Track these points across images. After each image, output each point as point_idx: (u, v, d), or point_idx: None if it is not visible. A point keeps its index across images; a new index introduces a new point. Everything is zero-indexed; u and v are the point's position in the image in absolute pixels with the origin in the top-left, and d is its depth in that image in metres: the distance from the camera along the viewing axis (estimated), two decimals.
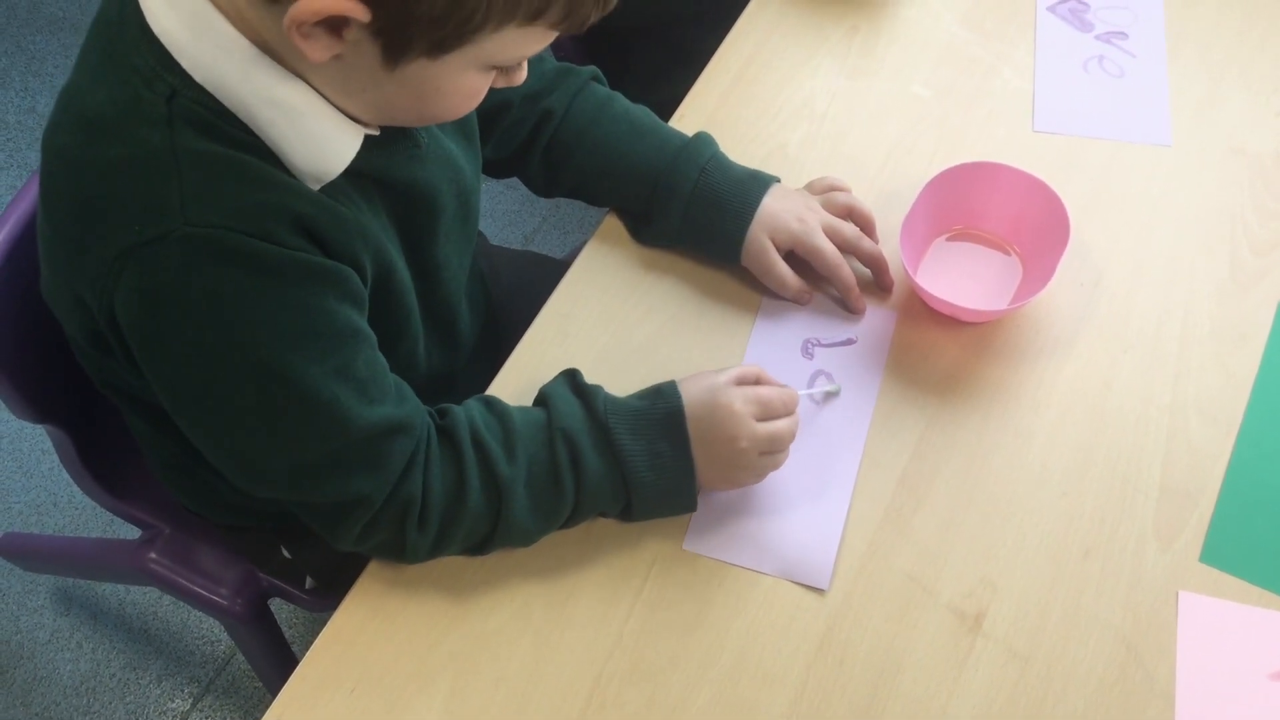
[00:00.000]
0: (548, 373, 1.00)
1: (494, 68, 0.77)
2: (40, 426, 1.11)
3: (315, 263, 0.77)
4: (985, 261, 1.08)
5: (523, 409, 0.91)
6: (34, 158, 2.17)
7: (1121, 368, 1.01)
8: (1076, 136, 1.17)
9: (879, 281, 1.05)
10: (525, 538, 0.90)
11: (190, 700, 1.64)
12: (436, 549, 0.88)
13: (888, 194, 1.12)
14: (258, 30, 0.72)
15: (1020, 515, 0.94)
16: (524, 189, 1.15)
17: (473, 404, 0.91)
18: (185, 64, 0.73)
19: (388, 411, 0.83)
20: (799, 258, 1.04)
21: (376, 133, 0.82)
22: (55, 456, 1.80)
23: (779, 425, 0.90)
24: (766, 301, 1.06)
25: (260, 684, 1.63)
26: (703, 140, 1.07)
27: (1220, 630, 0.89)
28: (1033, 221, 1.05)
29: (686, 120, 1.19)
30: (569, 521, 0.91)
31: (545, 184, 1.12)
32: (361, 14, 0.67)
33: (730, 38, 1.25)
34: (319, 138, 0.76)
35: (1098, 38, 1.25)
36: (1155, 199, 1.12)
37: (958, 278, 1.06)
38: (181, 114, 0.73)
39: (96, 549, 1.61)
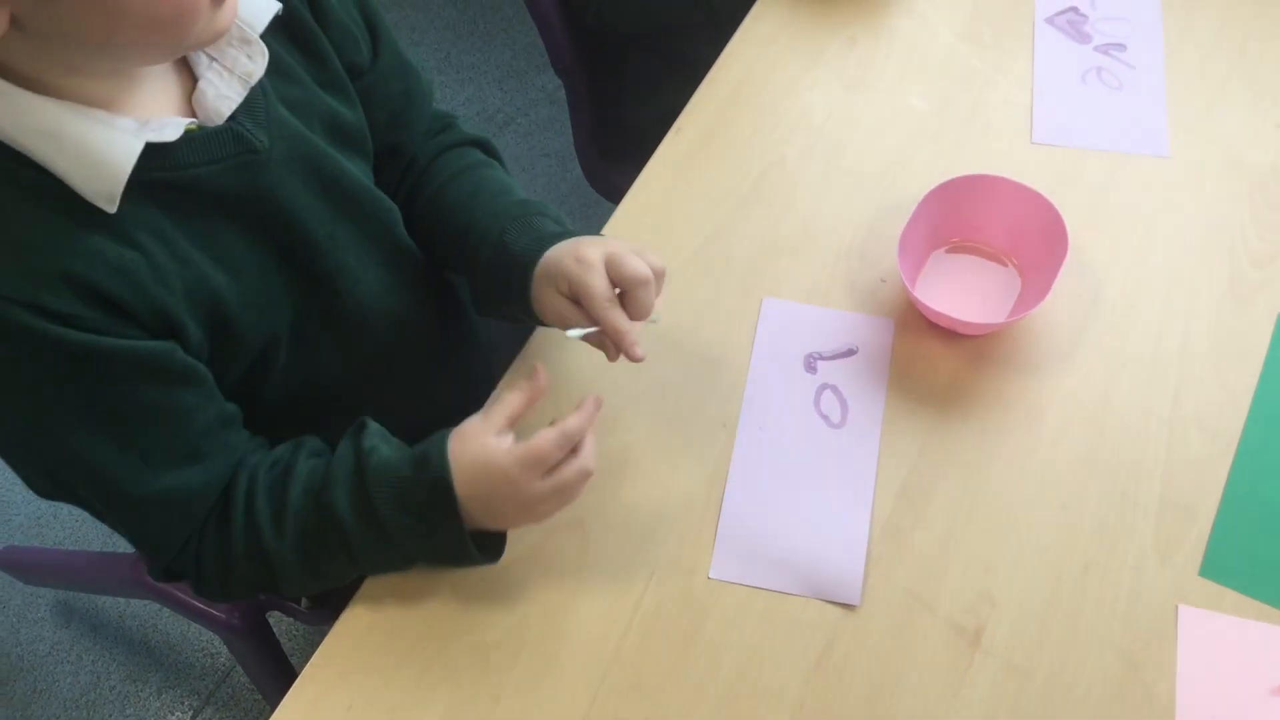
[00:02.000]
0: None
1: None
2: None
3: (84, 340, 0.74)
4: (984, 274, 1.07)
5: (311, 465, 0.88)
6: None
7: (1120, 381, 1.01)
8: (1075, 148, 1.17)
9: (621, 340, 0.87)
10: (315, 588, 0.90)
11: (190, 713, 1.64)
12: (229, 596, 0.90)
13: (886, 206, 1.12)
14: None
15: (1019, 529, 0.94)
16: None
17: (277, 455, 0.89)
18: None
19: (170, 484, 0.82)
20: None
21: (170, 138, 0.77)
22: None
23: (564, 475, 0.83)
24: (765, 316, 1.06)
25: (260, 696, 1.63)
26: (524, 205, 0.98)
27: (1220, 645, 0.88)
28: (1031, 234, 1.05)
29: (685, 133, 1.19)
30: (368, 571, 0.91)
31: (414, 236, 1.06)
32: None
33: (728, 49, 1.25)
34: (87, 154, 0.73)
35: (1096, 49, 1.25)
36: (1154, 211, 1.12)
37: (956, 290, 1.06)
38: None
39: (96, 562, 1.61)
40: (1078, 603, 0.90)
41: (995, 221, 1.07)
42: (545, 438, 0.82)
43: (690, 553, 0.93)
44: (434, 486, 0.83)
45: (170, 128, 0.77)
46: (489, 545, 0.87)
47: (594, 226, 1.12)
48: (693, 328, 1.05)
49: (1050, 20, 1.28)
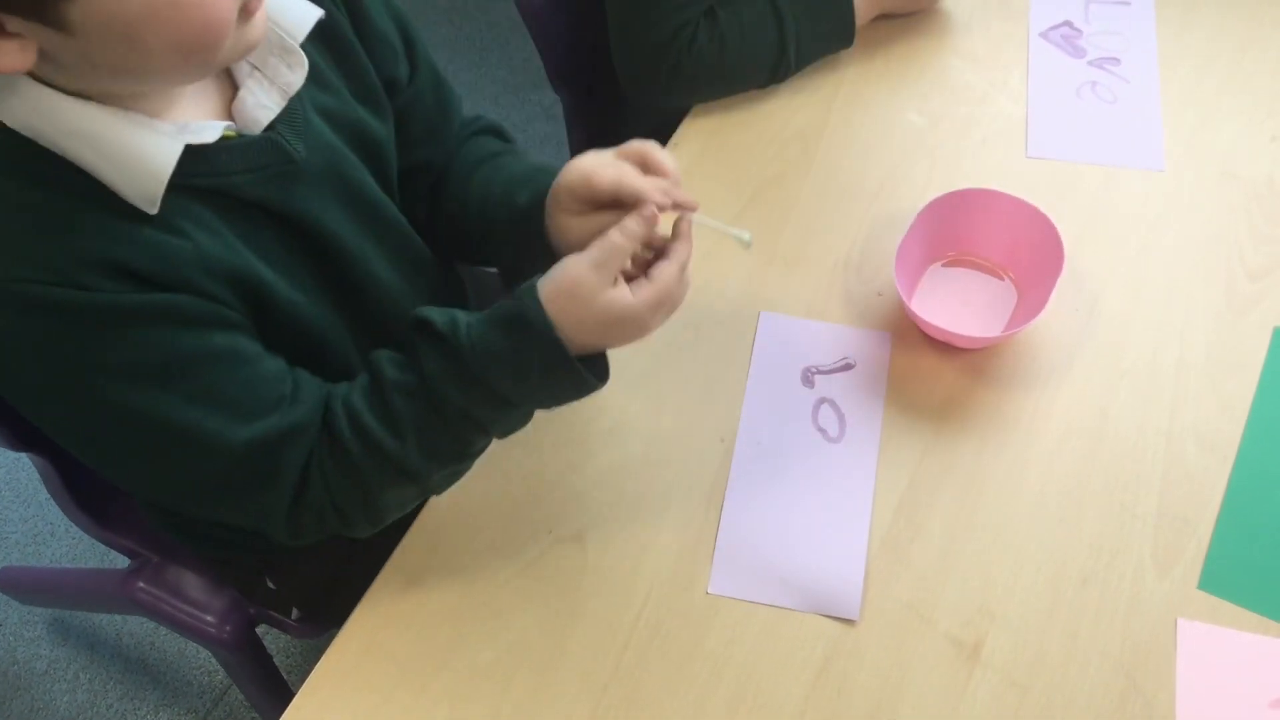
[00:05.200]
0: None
1: None
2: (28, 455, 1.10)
3: (132, 300, 0.74)
4: (980, 288, 1.08)
5: (396, 364, 0.84)
6: None
7: (1118, 394, 1.01)
8: (1070, 162, 1.17)
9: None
10: (458, 468, 0.88)
11: None
12: (379, 524, 0.87)
13: (882, 221, 1.13)
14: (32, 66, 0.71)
15: (1018, 543, 0.94)
16: None
17: (359, 380, 0.87)
18: None
19: (271, 423, 0.81)
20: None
21: (208, 139, 0.77)
22: None
23: (661, 284, 0.81)
24: (763, 330, 1.06)
25: (258, 715, 1.62)
26: (536, 169, 0.98)
27: (1219, 658, 0.88)
28: (1027, 247, 1.05)
29: (681, 148, 1.19)
30: (499, 435, 0.87)
31: (444, 237, 1.06)
32: None
33: None
34: (127, 158, 0.74)
35: (1090, 64, 1.26)
36: (1150, 224, 1.12)
37: (953, 304, 1.06)
38: None
39: (87, 579, 1.61)
40: (1077, 616, 0.90)
41: (991, 235, 1.07)
42: (669, 275, 0.82)
43: (689, 568, 0.93)
44: (544, 349, 0.81)
45: (208, 131, 0.78)
46: (595, 369, 0.85)
47: None
48: (690, 342, 1.05)
49: (1045, 35, 1.28)
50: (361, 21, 0.93)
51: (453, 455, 0.86)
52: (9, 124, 0.72)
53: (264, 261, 0.84)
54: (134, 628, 1.71)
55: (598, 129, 1.54)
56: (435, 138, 1.04)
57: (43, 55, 0.69)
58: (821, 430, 1.00)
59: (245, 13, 0.74)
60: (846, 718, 0.86)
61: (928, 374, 1.03)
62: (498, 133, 1.09)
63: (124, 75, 0.73)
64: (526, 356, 0.81)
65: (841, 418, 1.01)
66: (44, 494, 1.83)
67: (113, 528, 1.20)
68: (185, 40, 0.71)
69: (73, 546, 1.79)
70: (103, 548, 1.76)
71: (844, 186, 1.16)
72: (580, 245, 0.83)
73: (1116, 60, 1.26)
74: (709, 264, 1.10)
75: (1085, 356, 1.04)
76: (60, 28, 0.68)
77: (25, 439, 1.06)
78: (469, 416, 0.83)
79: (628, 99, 1.43)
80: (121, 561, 1.27)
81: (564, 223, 0.90)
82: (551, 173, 0.92)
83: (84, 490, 1.16)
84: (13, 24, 0.67)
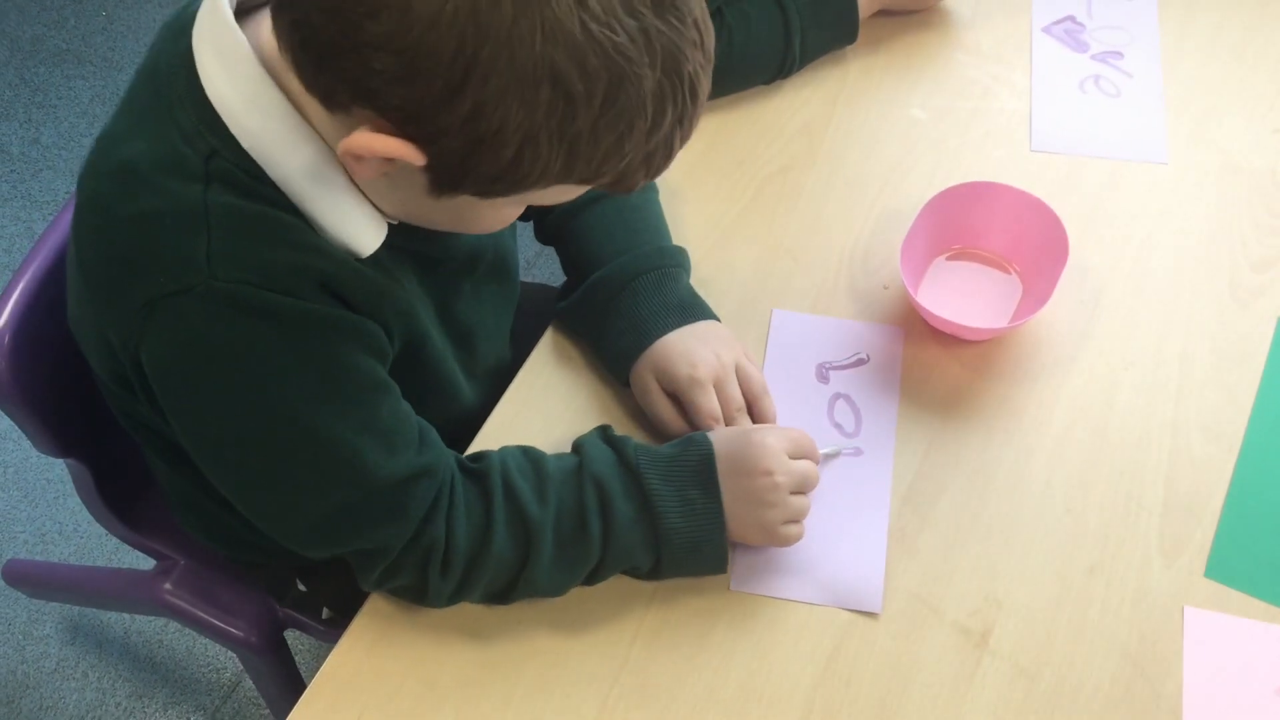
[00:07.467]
0: (547, 405, 1.01)
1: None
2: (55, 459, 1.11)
3: (338, 316, 0.78)
4: (985, 280, 1.08)
5: (557, 455, 0.91)
6: (38, 188, 2.19)
7: (1123, 385, 1.02)
8: (1074, 156, 1.18)
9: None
10: (549, 587, 0.89)
11: None
12: (459, 594, 0.88)
13: (887, 215, 1.13)
14: (310, 116, 0.74)
15: (1024, 533, 0.94)
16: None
17: (509, 449, 0.91)
18: (234, 129, 0.73)
19: (410, 459, 0.83)
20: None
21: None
22: (61, 486, 1.81)
23: (807, 464, 0.91)
24: (775, 327, 1.06)
25: (267, 710, 1.63)
26: (664, 252, 1.03)
27: (1226, 645, 0.89)
28: (1032, 240, 1.05)
29: (686, 144, 1.19)
30: (595, 573, 0.89)
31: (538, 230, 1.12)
32: (417, 159, 0.68)
33: None
34: (350, 221, 0.78)
35: (1094, 58, 1.26)
36: (1153, 217, 1.13)
37: (958, 297, 1.07)
38: (219, 173, 0.74)
39: (111, 579, 1.60)
40: (1084, 605, 0.91)
41: (996, 228, 1.07)
42: (800, 430, 0.93)
43: None
44: (700, 460, 0.89)
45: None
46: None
47: None
48: None
49: (1048, 29, 1.29)
50: None
51: (567, 549, 0.87)
52: (243, 144, 0.74)
53: (421, 306, 0.88)
54: (142, 626, 1.72)
55: None
56: None
57: (383, 175, 0.73)
58: (837, 425, 1.00)
59: None
60: (855, 707, 0.87)
61: (933, 366, 1.03)
62: None
63: (404, 213, 0.80)
64: (680, 462, 0.89)
65: (857, 413, 1.01)
66: (51, 493, 1.83)
67: (143, 532, 1.21)
68: (488, 228, 0.83)
69: (80, 545, 1.79)
70: (111, 546, 1.77)
71: (849, 181, 1.16)
72: (637, 394, 0.98)
73: (1119, 54, 1.26)
74: (715, 259, 1.11)
75: (1090, 348, 1.04)
76: (439, 196, 0.73)
77: (66, 446, 1.07)
78: (607, 504, 0.87)
79: None
80: (133, 559, 1.27)
81: (644, 380, 0.97)
82: (669, 297, 1.00)
83: (115, 495, 1.17)
84: (413, 154, 0.68)
